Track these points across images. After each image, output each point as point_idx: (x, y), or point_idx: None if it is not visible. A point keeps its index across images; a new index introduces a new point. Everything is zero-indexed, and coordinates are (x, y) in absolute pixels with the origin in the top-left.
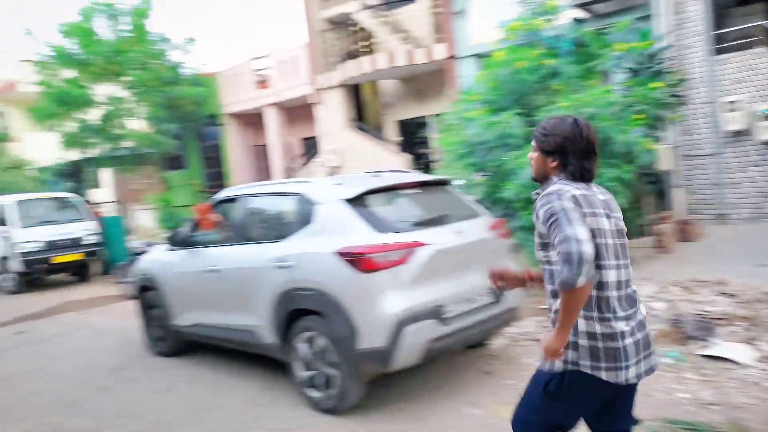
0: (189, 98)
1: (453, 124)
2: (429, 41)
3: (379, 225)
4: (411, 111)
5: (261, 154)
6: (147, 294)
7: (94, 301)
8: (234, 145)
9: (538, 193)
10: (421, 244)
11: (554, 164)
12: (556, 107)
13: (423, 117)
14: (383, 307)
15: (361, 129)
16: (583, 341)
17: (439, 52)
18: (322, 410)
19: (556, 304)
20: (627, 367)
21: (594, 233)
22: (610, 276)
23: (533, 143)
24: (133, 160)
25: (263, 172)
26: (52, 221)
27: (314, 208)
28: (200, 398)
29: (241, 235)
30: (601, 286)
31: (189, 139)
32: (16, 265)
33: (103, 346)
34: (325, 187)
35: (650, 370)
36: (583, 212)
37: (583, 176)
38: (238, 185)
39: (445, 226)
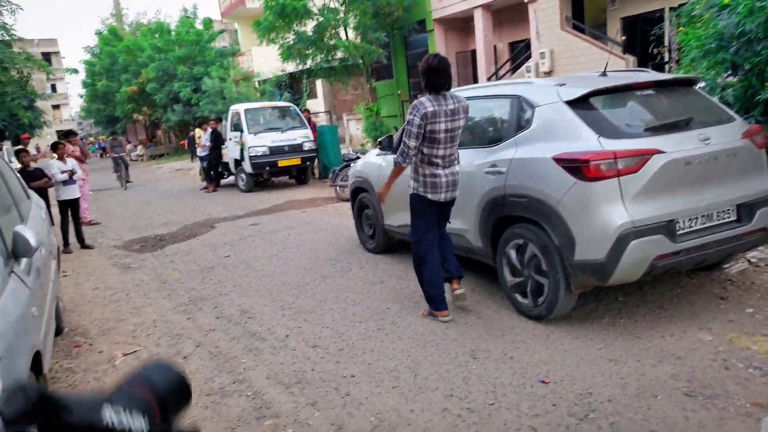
0: (397, 4)
1: (701, 16)
2: None
3: (607, 129)
4: (641, 5)
5: (468, 61)
6: (360, 195)
7: (312, 201)
8: (440, 51)
9: None
10: (657, 152)
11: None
12: None
13: (656, 11)
14: (606, 218)
15: (579, 29)
16: (422, 179)
17: None
18: (529, 316)
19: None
20: (442, 193)
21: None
22: (440, 152)
23: None
24: (344, 70)
25: (469, 79)
26: (276, 128)
27: (533, 111)
28: (408, 293)
29: None
30: (434, 156)
31: (396, 47)
32: (247, 167)
33: (322, 239)
34: (545, 88)
35: (453, 198)
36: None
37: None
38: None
39: (687, 131)
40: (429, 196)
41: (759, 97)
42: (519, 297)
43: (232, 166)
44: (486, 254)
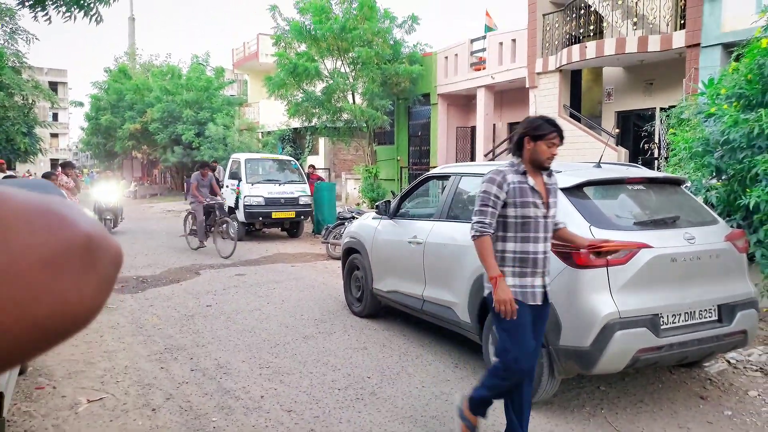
0: (405, 76)
1: (688, 120)
2: (667, 27)
3: (599, 219)
4: (635, 102)
5: (467, 136)
6: (352, 257)
7: (302, 256)
8: (441, 125)
9: None
10: (645, 246)
11: None
12: None
13: (649, 109)
14: (593, 306)
15: (575, 117)
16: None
17: (679, 39)
18: None
19: None
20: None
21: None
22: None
23: None
24: (347, 132)
25: (467, 154)
26: (274, 180)
27: None
28: (391, 362)
29: (448, 212)
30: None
31: (399, 115)
32: (240, 216)
33: (308, 297)
34: None
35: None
36: None
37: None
38: (442, 165)
39: (673, 229)
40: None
41: (740, 202)
42: None
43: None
44: (473, 330)
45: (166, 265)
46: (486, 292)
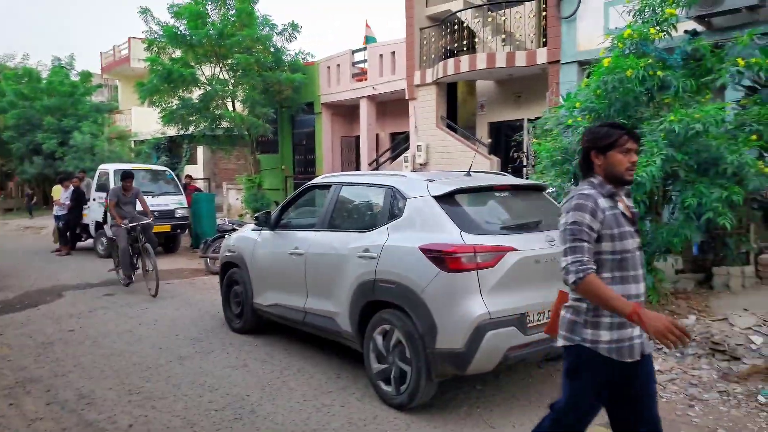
0: (287, 84)
1: (551, 130)
2: (531, 44)
3: (469, 225)
4: (505, 113)
5: (351, 145)
6: (231, 271)
7: (179, 272)
8: (326, 134)
9: None
10: (512, 249)
11: None
12: (664, 121)
13: (518, 120)
14: (466, 309)
15: (452, 128)
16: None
17: (542, 56)
18: (391, 405)
19: None
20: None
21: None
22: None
23: None
24: (228, 140)
25: (352, 163)
26: (147, 192)
27: (405, 202)
28: (272, 378)
29: (329, 221)
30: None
31: (283, 124)
32: (109, 231)
33: (184, 315)
34: (417, 182)
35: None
36: None
37: None
38: (327, 174)
39: (537, 232)
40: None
41: None
42: (383, 384)
43: (92, 228)
44: (354, 339)
45: (22, 287)
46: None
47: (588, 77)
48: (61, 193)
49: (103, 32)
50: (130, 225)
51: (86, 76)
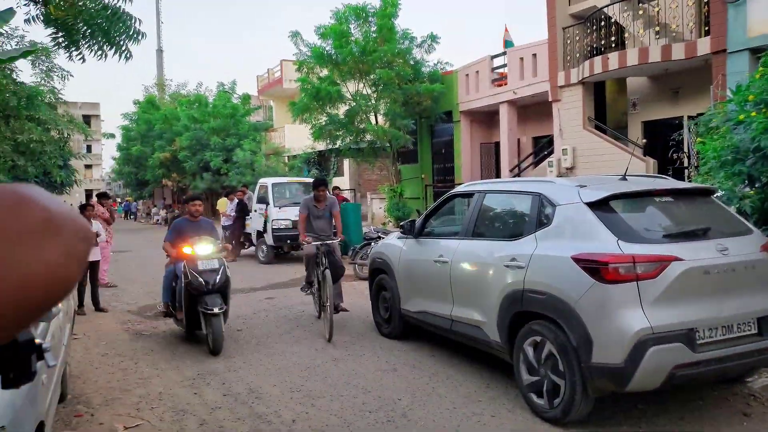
0: (426, 95)
1: (717, 128)
2: (691, 35)
3: (627, 233)
4: (661, 111)
5: (491, 152)
6: (379, 277)
7: None
8: (465, 142)
9: None
10: (675, 258)
11: None
12: None
13: (676, 118)
14: (625, 322)
15: (601, 129)
16: None
17: (704, 46)
18: (543, 418)
19: None
20: None
21: None
22: None
23: None
24: (371, 152)
25: (492, 170)
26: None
27: (554, 210)
28: (421, 383)
29: (474, 230)
30: None
31: (422, 134)
32: (269, 239)
33: (337, 319)
34: (567, 188)
35: None
36: None
37: None
38: (468, 182)
39: (705, 240)
40: None
41: None
42: (534, 397)
43: (254, 237)
44: (503, 349)
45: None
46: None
47: (765, 66)
48: (227, 206)
49: (259, 56)
50: (313, 243)
51: (246, 98)
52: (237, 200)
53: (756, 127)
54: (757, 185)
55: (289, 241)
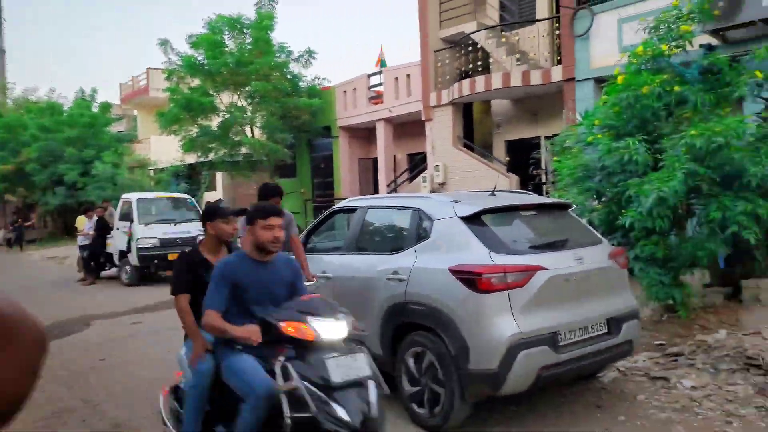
0: (305, 109)
1: (570, 148)
2: (546, 63)
3: (497, 245)
4: (522, 132)
5: (369, 167)
6: None
7: None
8: (344, 157)
9: None
10: (541, 268)
11: None
12: (684, 135)
13: (535, 138)
14: (497, 329)
15: (469, 147)
16: None
17: (557, 74)
18: (425, 427)
19: None
20: None
21: None
22: None
23: None
24: (248, 165)
25: (370, 185)
26: (169, 220)
27: (431, 224)
28: None
29: (356, 245)
30: None
31: (301, 148)
32: (133, 259)
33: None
34: (442, 203)
35: None
36: None
37: None
38: (348, 196)
39: (564, 251)
40: None
41: (618, 222)
42: (416, 407)
43: (116, 257)
44: (386, 362)
45: (51, 317)
46: None
47: (605, 94)
48: (84, 223)
49: (121, 64)
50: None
51: (106, 107)
52: (96, 217)
53: (602, 149)
54: (603, 200)
55: (156, 261)
